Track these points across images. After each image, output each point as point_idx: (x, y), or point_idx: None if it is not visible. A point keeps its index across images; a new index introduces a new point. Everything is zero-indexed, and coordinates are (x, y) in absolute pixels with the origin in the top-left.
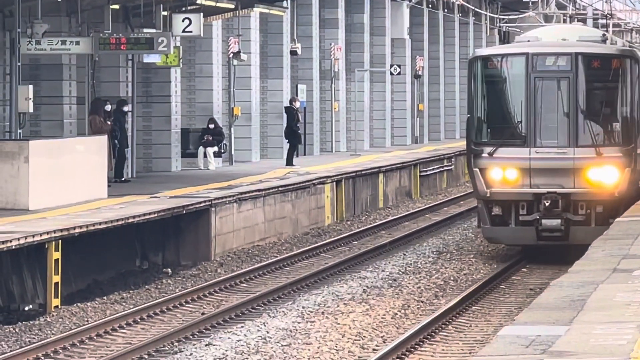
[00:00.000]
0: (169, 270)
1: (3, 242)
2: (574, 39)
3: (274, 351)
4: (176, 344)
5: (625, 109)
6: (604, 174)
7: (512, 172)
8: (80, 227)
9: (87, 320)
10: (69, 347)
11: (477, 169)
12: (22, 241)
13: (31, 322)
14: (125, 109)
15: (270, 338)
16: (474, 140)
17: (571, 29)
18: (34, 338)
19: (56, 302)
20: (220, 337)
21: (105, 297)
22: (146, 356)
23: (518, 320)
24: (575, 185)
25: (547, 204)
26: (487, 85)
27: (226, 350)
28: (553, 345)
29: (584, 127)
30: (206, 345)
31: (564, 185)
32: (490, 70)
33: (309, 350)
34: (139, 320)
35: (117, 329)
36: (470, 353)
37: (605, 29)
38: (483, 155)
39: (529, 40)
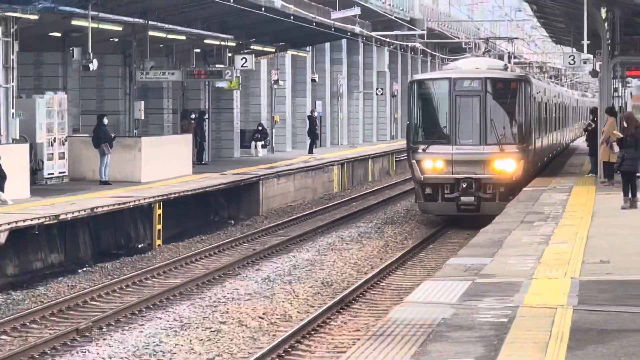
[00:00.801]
0: (232, 221)
1: (125, 203)
2: (484, 68)
3: (301, 274)
4: (237, 269)
5: (520, 117)
6: (505, 164)
7: (439, 162)
8: (175, 193)
9: (179, 254)
10: (167, 271)
11: (414, 161)
12: (137, 202)
13: (142, 255)
14: (205, 117)
15: (298, 265)
16: (412, 140)
17: (483, 60)
18: (145, 265)
19: (159, 242)
20: (265, 265)
21: (190, 239)
22: (217, 277)
23: (459, 254)
24: (484, 172)
25: (464, 186)
26: (421, 101)
27: (269, 273)
28: (482, 270)
29: (491, 131)
30: (256, 270)
31: (477, 172)
32: (423, 90)
33: (323, 273)
34: (212, 254)
35: (199, 259)
36: (428, 275)
37: (508, 61)
38: (419, 151)
39: (452, 69)
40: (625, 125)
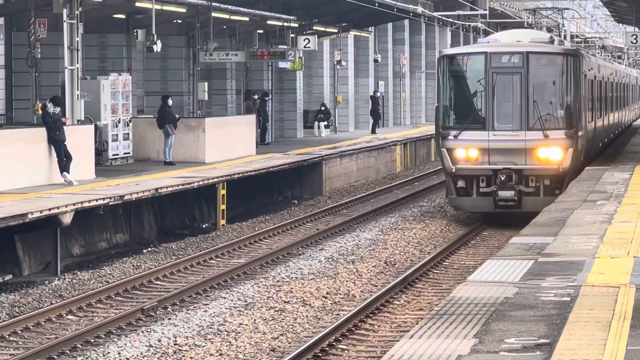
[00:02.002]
0: (295, 201)
1: (189, 183)
2: (526, 41)
3: (364, 253)
4: (300, 249)
5: (568, 98)
6: (551, 153)
7: (474, 151)
8: (238, 173)
9: (243, 234)
10: (232, 251)
11: (444, 149)
12: (201, 182)
13: (206, 235)
14: (267, 97)
15: (361, 245)
16: (442, 125)
17: (525, 32)
18: (209, 245)
19: (223, 222)
20: (328, 244)
21: (254, 219)
22: (281, 257)
23: (522, 233)
24: (526, 162)
25: (502, 178)
26: (452, 79)
27: (333, 253)
28: (544, 249)
29: (534, 114)
30: (320, 249)
31: (517, 162)
32: (455, 66)
33: (386, 252)
34: (276, 234)
35: (263, 239)
36: (490, 254)
37: (558, 34)
38: (449, 137)
39: (488, 42)
40: None
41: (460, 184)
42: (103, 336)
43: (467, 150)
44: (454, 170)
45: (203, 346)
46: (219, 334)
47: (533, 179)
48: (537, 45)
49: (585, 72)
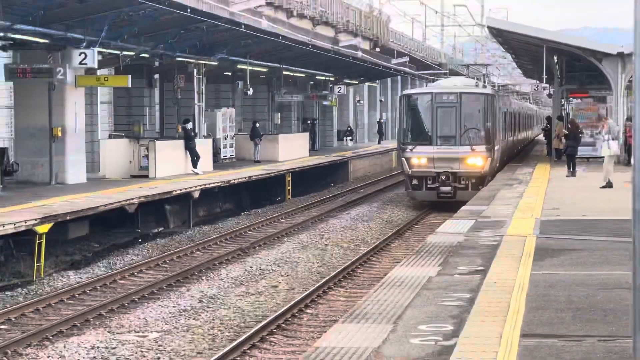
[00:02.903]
0: (332, 184)
1: (269, 173)
2: (461, 85)
3: (374, 215)
4: (335, 212)
5: (487, 124)
6: (475, 161)
7: (424, 159)
8: (298, 167)
9: (300, 204)
10: (294, 214)
11: (403, 158)
12: (276, 173)
13: (279, 204)
14: (315, 122)
15: (372, 211)
16: (402, 141)
17: (460, 79)
18: (280, 210)
19: (289, 197)
20: (352, 210)
21: (308, 195)
22: (323, 217)
23: (468, 203)
24: (459, 167)
25: (443, 178)
26: (409, 110)
27: (354, 215)
28: (482, 213)
29: (464, 135)
30: (346, 213)
31: (453, 167)
32: (411, 102)
33: (386, 215)
34: (321, 203)
35: (312, 207)
36: (449, 216)
37: (483, 82)
38: (407, 150)
39: (435, 85)
40: (569, 126)
41: (415, 181)
42: (217, 264)
43: (419, 159)
44: (410, 173)
45: (277, 270)
46: (286, 263)
47: (464, 179)
48: (467, 87)
49: (499, 106)
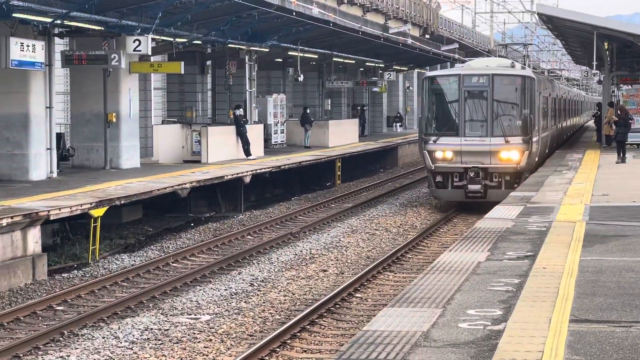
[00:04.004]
0: (382, 170)
1: (320, 159)
2: (493, 66)
3: (423, 201)
4: (384, 198)
5: (524, 111)
6: (510, 155)
7: (449, 153)
8: (348, 153)
9: (350, 189)
10: (344, 199)
11: (425, 151)
12: (326, 158)
13: (329, 189)
14: (365, 108)
15: (421, 196)
16: (424, 132)
17: (492, 60)
18: (330, 195)
19: (338, 182)
20: (401, 195)
21: (356, 180)
22: (373, 203)
23: (517, 189)
24: (491, 162)
25: (472, 175)
26: (433, 96)
27: (403, 200)
28: (530, 199)
29: (497, 124)
30: (395, 198)
31: (483, 162)
32: (435, 85)
33: (435, 201)
34: (370, 189)
35: (362, 192)
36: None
37: (524, 64)
38: (430, 142)
39: (462, 66)
40: (619, 112)
41: (439, 178)
42: (268, 248)
43: (444, 152)
44: (433, 168)
45: (326, 254)
46: (336, 247)
47: (496, 175)
48: (500, 69)
49: (540, 90)
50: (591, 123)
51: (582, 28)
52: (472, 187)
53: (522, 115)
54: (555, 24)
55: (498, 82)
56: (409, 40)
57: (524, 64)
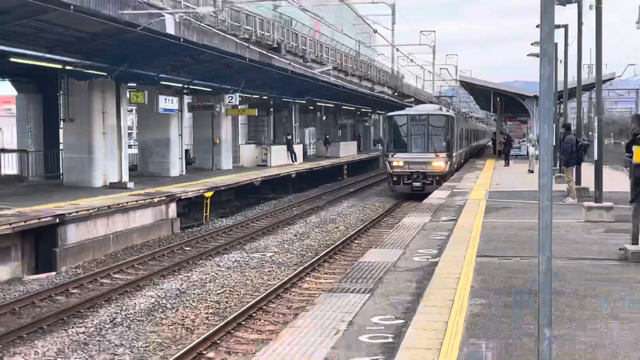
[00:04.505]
0: (371, 170)
1: (333, 164)
2: (430, 109)
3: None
4: (374, 186)
5: (447, 137)
6: (439, 164)
7: (401, 162)
8: (352, 160)
9: (354, 181)
10: (351, 186)
11: (387, 161)
12: (338, 164)
13: (338, 182)
14: (360, 135)
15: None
16: (385, 150)
17: (429, 105)
18: (340, 185)
19: (345, 177)
20: (381, 185)
21: (355, 176)
22: (366, 189)
23: (447, 180)
24: (427, 168)
25: (415, 176)
26: (391, 127)
27: (383, 188)
28: (455, 187)
29: (431, 144)
30: (379, 187)
31: (423, 168)
32: (392, 120)
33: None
34: (364, 181)
35: (357, 183)
36: (432, 191)
37: (445, 106)
38: (389, 156)
39: (411, 109)
40: (505, 137)
41: (395, 179)
42: (304, 215)
43: (398, 162)
44: (391, 172)
45: (338, 218)
46: (343, 214)
47: (430, 176)
48: (433, 111)
49: (458, 124)
50: (490, 143)
51: (484, 89)
52: (415, 184)
53: (447, 139)
54: (469, 86)
55: (432, 119)
56: (386, 96)
57: (448, 108)
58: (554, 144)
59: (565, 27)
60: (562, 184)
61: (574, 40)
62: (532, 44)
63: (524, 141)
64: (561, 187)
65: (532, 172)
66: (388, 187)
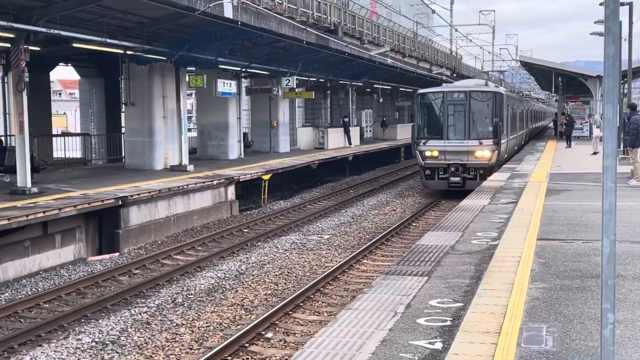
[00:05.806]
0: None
1: (390, 147)
2: (471, 85)
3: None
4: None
5: (494, 119)
6: (483, 154)
7: (436, 152)
8: (409, 143)
9: (410, 164)
10: (408, 169)
11: (417, 151)
12: (395, 146)
13: (396, 164)
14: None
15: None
16: (416, 136)
17: (472, 81)
18: (397, 167)
19: (403, 159)
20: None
21: (412, 158)
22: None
23: (507, 163)
24: (468, 159)
25: (453, 169)
26: (424, 107)
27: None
28: (514, 169)
29: (473, 129)
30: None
31: (462, 159)
32: (425, 100)
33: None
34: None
35: (412, 167)
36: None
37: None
38: (420, 144)
39: (448, 85)
40: (567, 118)
41: (427, 172)
42: (362, 197)
43: (432, 152)
44: (423, 164)
45: (395, 201)
46: (401, 197)
47: (472, 170)
48: (475, 87)
49: (509, 104)
50: (550, 125)
51: (545, 69)
52: (453, 179)
53: (493, 122)
54: (530, 67)
55: (473, 97)
56: (444, 77)
57: (498, 85)
58: (618, 124)
59: (630, 4)
60: (626, 165)
61: (639, 19)
62: (595, 22)
63: (586, 122)
64: (625, 169)
65: (596, 153)
66: (420, 182)
